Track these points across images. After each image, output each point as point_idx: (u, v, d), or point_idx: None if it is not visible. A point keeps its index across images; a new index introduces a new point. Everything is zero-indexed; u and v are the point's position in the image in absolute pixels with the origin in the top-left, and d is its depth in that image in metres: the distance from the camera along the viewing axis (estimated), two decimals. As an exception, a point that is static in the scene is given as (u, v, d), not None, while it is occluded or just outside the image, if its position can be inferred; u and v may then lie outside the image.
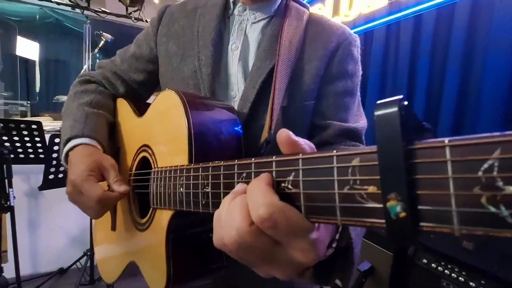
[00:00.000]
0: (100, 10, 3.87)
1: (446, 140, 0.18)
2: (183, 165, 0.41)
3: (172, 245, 0.46)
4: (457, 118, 1.64)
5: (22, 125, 1.74)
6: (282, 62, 0.61)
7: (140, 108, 0.67)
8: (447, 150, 0.17)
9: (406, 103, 0.19)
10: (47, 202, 2.16)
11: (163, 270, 0.45)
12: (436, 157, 0.18)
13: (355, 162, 0.22)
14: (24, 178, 2.11)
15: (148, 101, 0.78)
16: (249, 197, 0.27)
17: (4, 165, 1.65)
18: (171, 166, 0.44)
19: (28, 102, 3.93)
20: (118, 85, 0.76)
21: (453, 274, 1.33)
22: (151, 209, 0.51)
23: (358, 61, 0.68)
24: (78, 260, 2.11)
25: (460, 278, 1.30)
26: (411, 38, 1.85)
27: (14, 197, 1.69)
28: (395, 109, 0.19)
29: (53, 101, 3.07)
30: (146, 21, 4.08)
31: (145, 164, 0.58)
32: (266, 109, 0.59)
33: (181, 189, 0.41)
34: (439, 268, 1.38)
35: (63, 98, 2.93)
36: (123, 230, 0.62)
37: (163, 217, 0.47)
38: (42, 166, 1.84)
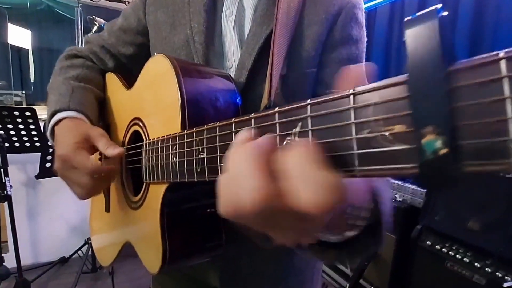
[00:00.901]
0: (93, -5, 3.75)
1: (502, 53, 0.14)
2: (176, 133, 0.37)
3: (167, 220, 0.42)
4: None
5: (15, 113, 1.69)
6: (281, 27, 0.56)
7: (130, 80, 0.63)
8: (503, 65, 0.13)
9: (446, 13, 0.15)
10: (46, 191, 2.14)
11: (158, 248, 0.42)
12: (486, 76, 0.14)
13: (377, 98, 0.18)
14: (21, 168, 2.08)
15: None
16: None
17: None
18: (162, 137, 0.40)
19: (23, 92, 3.85)
20: (107, 59, 0.71)
21: (457, 256, 1.31)
22: (144, 185, 0.48)
23: (363, 26, 0.63)
24: (79, 248, 2.11)
25: (465, 259, 1.29)
26: (416, 11, 1.77)
27: (11, 186, 1.66)
28: (434, 22, 0.15)
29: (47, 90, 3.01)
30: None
31: (137, 138, 0.54)
32: (264, 78, 0.55)
33: (174, 158, 0.37)
34: (443, 249, 1.37)
35: (58, 86, 2.87)
36: (117, 210, 0.59)
37: (157, 191, 0.43)
38: (39, 155, 1.80)
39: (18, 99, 3.73)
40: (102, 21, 2.86)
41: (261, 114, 0.25)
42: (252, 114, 0.26)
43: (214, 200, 0.48)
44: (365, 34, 0.63)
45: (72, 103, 0.57)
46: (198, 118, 0.40)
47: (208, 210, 0.46)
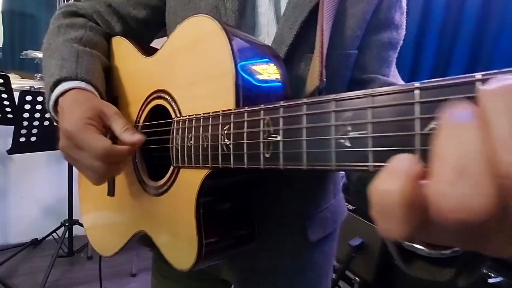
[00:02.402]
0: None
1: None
2: (229, 110, 0.31)
3: (204, 211, 0.36)
4: None
5: (-15, 78, 1.50)
6: (327, 1, 0.50)
7: (146, 48, 0.55)
8: None
9: None
10: (17, 167, 1.96)
11: (191, 242, 0.36)
12: None
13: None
14: (-11, 141, 1.88)
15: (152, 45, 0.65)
16: None
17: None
18: (208, 113, 0.34)
19: (-10, 57, 3.49)
20: (114, 22, 0.61)
21: (444, 251, 1.35)
22: (171, 168, 0.41)
23: (404, 13, 0.59)
24: (54, 231, 1.97)
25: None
26: (420, 12, 1.77)
27: (-22, 160, 1.49)
28: None
29: (20, 57, 2.72)
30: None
31: (159, 114, 0.46)
32: (303, 56, 0.50)
33: (226, 140, 0.31)
34: (430, 244, 1.41)
35: (33, 53, 2.60)
36: (127, 195, 0.51)
37: (192, 177, 0.37)
38: (11, 128, 1.62)
39: (-16, 65, 3.38)
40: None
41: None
42: (370, 90, 0.21)
43: (250, 189, 0.43)
44: (405, 22, 0.60)
45: (80, 71, 0.48)
46: (252, 93, 0.34)
47: (244, 198, 0.41)
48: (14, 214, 2.01)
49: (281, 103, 0.26)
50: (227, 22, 0.49)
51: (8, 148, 1.63)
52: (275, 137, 0.26)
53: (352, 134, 0.21)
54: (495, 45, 1.46)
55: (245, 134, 0.29)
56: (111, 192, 0.57)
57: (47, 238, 2.02)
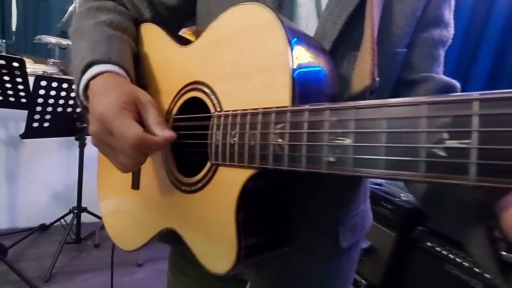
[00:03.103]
0: None
1: None
2: (285, 107, 0.29)
3: (244, 213, 0.34)
4: None
5: (1, 62, 1.49)
6: None
7: (179, 37, 0.52)
8: None
9: None
10: (29, 152, 1.96)
11: (229, 244, 0.34)
12: None
13: None
14: (1, 124, 1.89)
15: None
16: None
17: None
18: (256, 109, 0.31)
19: (4, 41, 3.49)
20: (143, 8, 0.59)
21: (457, 259, 1.33)
22: (208, 165, 0.39)
23: (453, 10, 0.56)
24: (62, 217, 1.97)
25: (464, 263, 1.31)
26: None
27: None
28: None
29: (34, 41, 2.72)
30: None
31: (191, 107, 0.44)
32: (347, 54, 0.47)
33: (280, 140, 0.29)
34: (443, 252, 1.39)
35: (47, 38, 2.59)
36: (154, 189, 0.49)
37: (233, 176, 0.34)
38: (23, 113, 1.62)
39: (-2, 48, 3.38)
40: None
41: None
42: (444, 97, 0.18)
43: (288, 191, 0.41)
44: (453, 19, 0.56)
45: (113, 55, 0.46)
46: (307, 89, 0.31)
47: (283, 198, 0.39)
48: (23, 199, 2.02)
49: (352, 104, 0.24)
50: None
51: (21, 133, 1.62)
52: (343, 140, 0.24)
53: (449, 143, 0.18)
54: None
55: (304, 135, 0.27)
56: (135, 185, 0.55)
57: (55, 224, 2.03)
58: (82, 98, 0.46)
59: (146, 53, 0.56)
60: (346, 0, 0.47)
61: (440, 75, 0.51)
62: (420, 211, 1.55)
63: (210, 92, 0.39)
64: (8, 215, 1.99)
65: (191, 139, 0.43)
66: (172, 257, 0.67)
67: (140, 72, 0.56)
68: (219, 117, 0.36)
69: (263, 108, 0.31)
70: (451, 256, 1.35)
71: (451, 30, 0.55)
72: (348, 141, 0.24)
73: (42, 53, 3.52)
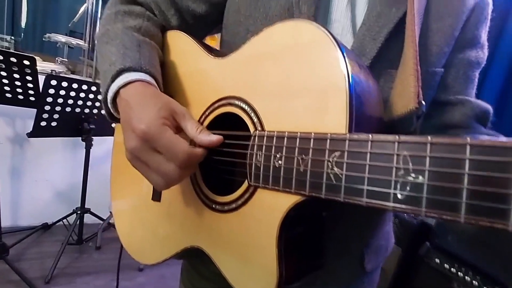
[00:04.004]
0: None
1: None
2: (344, 135, 0.27)
3: (285, 239, 0.33)
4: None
5: (12, 59, 1.48)
6: (416, 13, 0.46)
7: (209, 47, 0.51)
8: None
9: None
10: (34, 150, 1.94)
11: (268, 271, 0.33)
12: None
13: None
14: (9, 122, 1.87)
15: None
16: None
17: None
18: (308, 133, 0.30)
19: (12, 37, 3.49)
20: (170, 14, 0.58)
21: (467, 278, 1.31)
22: (245, 185, 0.37)
23: (487, 32, 0.55)
24: (65, 217, 1.95)
25: (474, 282, 1.28)
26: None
27: (-1, 141, 1.48)
28: None
29: (43, 39, 2.71)
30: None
31: (223, 123, 0.43)
32: (383, 71, 0.46)
33: (336, 169, 0.27)
34: (452, 269, 1.36)
35: (56, 37, 2.59)
36: (179, 204, 0.48)
37: (276, 200, 0.33)
38: (31, 111, 1.61)
39: (5, 44, 3.39)
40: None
41: None
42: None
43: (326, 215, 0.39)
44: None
45: (144, 63, 0.45)
46: (363, 114, 0.30)
47: (321, 223, 0.37)
48: (26, 197, 2.00)
49: (428, 139, 0.22)
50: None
51: (28, 131, 1.61)
52: (417, 177, 0.22)
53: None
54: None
55: (367, 167, 0.25)
56: (157, 197, 0.53)
57: (57, 224, 2.00)
58: (110, 105, 0.45)
59: (173, 61, 0.54)
60: (386, 17, 0.46)
61: (476, 100, 0.50)
62: (428, 227, 1.54)
63: (249, 109, 0.38)
64: (11, 212, 1.96)
65: (223, 156, 0.42)
66: (186, 270, 0.65)
67: (166, 81, 0.54)
68: (261, 137, 0.35)
69: (316, 133, 0.29)
70: (460, 274, 1.33)
71: (486, 51, 0.54)
72: (421, 179, 0.22)
73: (50, 51, 3.53)
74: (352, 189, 0.26)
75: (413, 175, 0.23)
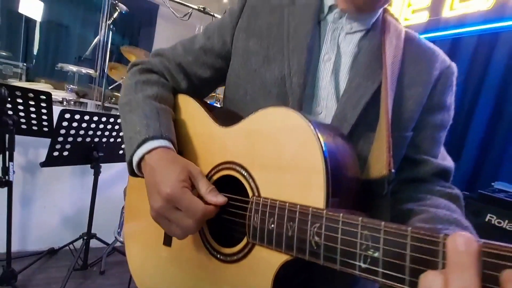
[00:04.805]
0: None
1: None
2: (323, 210, 0.34)
3: (278, 292, 0.39)
4: (482, 153, 1.63)
5: (30, 95, 1.59)
6: (389, 85, 0.54)
7: (215, 114, 0.59)
8: None
9: None
10: (44, 178, 2.02)
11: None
12: None
13: None
14: (22, 151, 1.96)
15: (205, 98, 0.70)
16: None
17: (7, 136, 1.51)
18: (294, 205, 0.37)
19: (24, 64, 3.67)
20: (180, 79, 0.67)
21: None
22: (245, 241, 0.44)
23: (454, 93, 0.63)
24: (71, 242, 2.00)
25: None
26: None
27: (13, 171, 1.56)
28: None
29: (56, 68, 2.87)
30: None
31: (225, 183, 0.50)
32: (362, 136, 0.53)
33: (317, 238, 0.34)
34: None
35: (69, 67, 2.74)
36: (188, 251, 0.54)
37: (269, 259, 0.40)
38: (42, 140, 1.71)
39: (18, 70, 3.55)
40: (124, 7, 2.77)
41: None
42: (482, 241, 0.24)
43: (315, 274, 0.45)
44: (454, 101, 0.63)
45: (164, 130, 0.53)
46: (340, 188, 0.37)
47: (307, 277, 0.44)
48: (35, 222, 2.06)
49: (382, 225, 0.29)
50: (295, 97, 0.53)
51: (40, 160, 1.69)
52: (374, 252, 0.29)
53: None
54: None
55: (339, 239, 0.32)
56: (168, 242, 0.60)
57: (63, 248, 2.05)
58: (135, 167, 0.53)
59: (183, 121, 0.63)
60: (364, 88, 0.54)
61: (437, 161, 0.57)
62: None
63: (248, 175, 0.45)
64: (19, 237, 2.02)
65: (227, 213, 0.49)
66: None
67: (177, 137, 0.62)
68: (257, 202, 0.42)
69: (301, 206, 0.37)
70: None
71: (452, 113, 0.62)
72: (377, 255, 0.29)
73: (59, 77, 3.70)
74: (329, 257, 0.33)
75: (372, 250, 0.29)
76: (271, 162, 0.42)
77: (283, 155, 0.41)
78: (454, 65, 0.63)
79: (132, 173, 0.55)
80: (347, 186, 0.39)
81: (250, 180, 0.45)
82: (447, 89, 0.60)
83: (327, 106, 0.57)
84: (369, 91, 0.54)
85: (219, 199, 0.46)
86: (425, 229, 0.27)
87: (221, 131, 0.53)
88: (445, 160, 0.61)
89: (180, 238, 0.46)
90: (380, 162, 0.47)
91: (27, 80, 3.49)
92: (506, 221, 1.26)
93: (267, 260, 0.40)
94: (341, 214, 0.32)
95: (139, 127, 0.53)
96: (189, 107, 0.63)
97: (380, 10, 0.61)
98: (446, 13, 1.90)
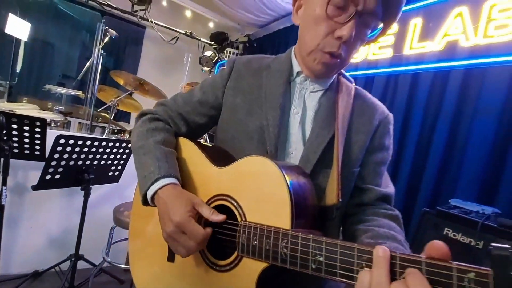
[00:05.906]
0: (106, 3, 3.79)
1: None
2: (288, 230, 0.51)
3: (260, 290, 0.55)
4: (440, 174, 1.87)
5: (25, 121, 1.68)
6: (340, 134, 0.73)
7: (209, 153, 0.75)
8: None
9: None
10: (32, 200, 2.06)
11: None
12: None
13: (471, 275, 0.34)
14: (11, 173, 2.00)
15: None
16: None
17: (1, 161, 1.58)
18: (270, 227, 0.54)
19: (7, 82, 3.66)
20: (181, 125, 0.84)
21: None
22: (236, 254, 0.60)
23: (392, 136, 0.83)
24: (57, 264, 2.02)
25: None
26: (407, 92, 2.09)
27: (6, 195, 1.61)
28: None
29: (43, 89, 2.93)
30: (151, 21, 4.06)
31: (218, 211, 0.66)
32: (321, 172, 0.71)
33: (285, 250, 0.51)
34: None
35: (57, 89, 2.81)
36: (190, 265, 0.69)
37: (253, 267, 0.56)
38: (31, 162, 1.78)
39: (1, 89, 3.55)
40: (114, 32, 2.92)
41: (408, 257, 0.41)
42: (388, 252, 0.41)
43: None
44: (392, 142, 0.83)
45: (172, 170, 0.69)
46: (300, 217, 0.54)
47: (284, 280, 0.60)
48: (20, 244, 2.07)
49: (324, 239, 0.46)
50: (272, 149, 0.70)
51: (31, 184, 1.75)
52: (320, 257, 0.46)
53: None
54: (470, 128, 1.76)
55: (299, 250, 0.49)
56: (171, 258, 0.74)
57: (48, 271, 2.06)
58: (149, 200, 0.68)
59: (184, 160, 0.78)
60: (322, 137, 0.73)
61: (380, 188, 0.76)
62: None
63: (237, 205, 0.62)
64: (3, 261, 2.01)
65: (221, 234, 0.65)
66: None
67: (180, 173, 0.78)
68: (244, 225, 0.59)
69: (275, 227, 0.53)
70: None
71: (391, 152, 0.81)
72: (321, 258, 0.46)
73: (42, 96, 3.72)
74: (293, 262, 0.49)
75: (318, 256, 0.46)
76: (254, 195, 0.59)
77: (262, 190, 0.58)
78: (391, 116, 0.83)
79: (145, 203, 0.70)
80: (306, 212, 0.56)
81: (239, 209, 0.61)
82: (385, 134, 0.80)
83: (296, 148, 0.75)
84: (325, 139, 0.72)
85: (220, 217, 0.61)
86: (354, 243, 0.44)
87: (215, 170, 0.69)
88: (387, 187, 0.79)
89: (184, 256, 0.61)
90: (332, 193, 0.65)
91: (9, 100, 3.48)
92: (460, 234, 1.43)
93: (252, 268, 0.56)
94: (300, 233, 0.49)
95: (152, 167, 0.69)
96: (189, 149, 0.79)
97: (335, 75, 0.81)
98: (407, 51, 2.19)
